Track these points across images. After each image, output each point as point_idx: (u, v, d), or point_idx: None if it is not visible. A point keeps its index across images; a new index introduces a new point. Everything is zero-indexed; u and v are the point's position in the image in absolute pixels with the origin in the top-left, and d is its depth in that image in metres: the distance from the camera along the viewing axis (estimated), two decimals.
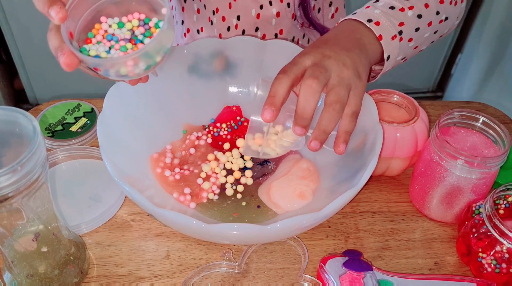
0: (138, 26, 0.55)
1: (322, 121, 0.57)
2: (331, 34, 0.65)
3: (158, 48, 0.52)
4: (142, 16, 0.56)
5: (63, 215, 0.67)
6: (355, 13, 0.67)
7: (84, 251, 0.62)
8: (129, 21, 0.55)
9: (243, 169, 0.71)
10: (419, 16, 0.68)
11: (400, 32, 0.66)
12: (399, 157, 0.70)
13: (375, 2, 0.69)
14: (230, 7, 0.86)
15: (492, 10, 1.82)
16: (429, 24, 0.70)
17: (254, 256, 0.64)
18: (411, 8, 0.68)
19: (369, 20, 0.65)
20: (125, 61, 0.51)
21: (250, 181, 0.69)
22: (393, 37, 0.66)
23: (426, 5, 0.69)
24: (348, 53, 0.60)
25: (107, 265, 0.63)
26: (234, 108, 0.77)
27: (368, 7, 0.68)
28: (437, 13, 0.70)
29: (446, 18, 0.72)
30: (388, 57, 0.66)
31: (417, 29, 0.68)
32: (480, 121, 0.67)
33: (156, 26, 0.55)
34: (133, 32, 0.55)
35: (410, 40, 0.68)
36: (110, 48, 0.54)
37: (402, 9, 0.68)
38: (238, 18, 0.87)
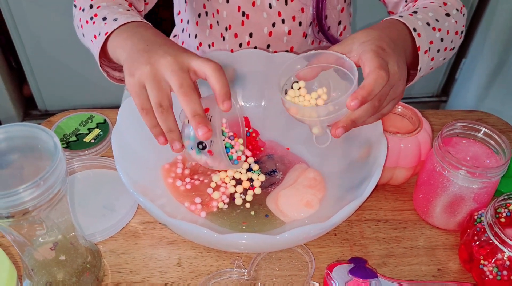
0: None
1: (357, 112, 0.58)
2: (395, 35, 0.65)
3: None
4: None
5: (79, 224, 0.70)
6: (401, 16, 0.69)
7: (99, 259, 0.64)
8: None
9: (251, 179, 0.73)
10: (442, 40, 0.71)
11: (429, 49, 0.69)
12: (403, 167, 0.73)
13: (414, 12, 0.71)
14: (243, 24, 0.88)
15: (495, 15, 1.84)
16: (445, 49, 0.73)
17: (262, 263, 0.67)
18: (439, 30, 0.71)
19: (414, 29, 0.67)
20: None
21: (258, 191, 0.72)
22: (425, 52, 0.68)
23: (448, 32, 0.73)
24: (405, 68, 0.63)
25: (121, 273, 0.65)
26: None
27: (411, 15, 0.70)
28: (451, 41, 0.74)
29: (453, 48, 0.76)
30: (419, 69, 0.69)
31: (438, 51, 0.71)
32: (482, 131, 0.69)
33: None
34: None
35: (432, 59, 0.71)
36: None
37: (433, 29, 0.70)
38: (251, 35, 0.89)
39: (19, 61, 1.90)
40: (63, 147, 0.80)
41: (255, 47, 0.90)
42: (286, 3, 0.86)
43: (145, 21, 0.69)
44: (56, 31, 1.78)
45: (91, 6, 0.74)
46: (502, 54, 1.79)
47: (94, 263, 0.63)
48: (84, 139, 0.81)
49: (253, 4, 0.87)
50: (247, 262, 0.66)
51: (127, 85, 0.61)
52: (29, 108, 2.09)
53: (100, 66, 0.73)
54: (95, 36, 0.70)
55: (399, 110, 0.77)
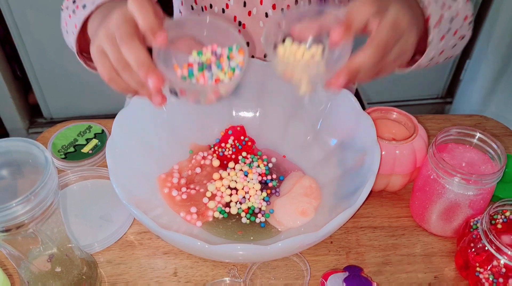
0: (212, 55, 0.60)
1: (360, 57, 0.52)
2: (408, 3, 0.59)
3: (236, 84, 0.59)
4: (215, 47, 0.61)
5: (75, 235, 0.70)
6: None
7: (96, 270, 0.65)
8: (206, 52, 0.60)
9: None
10: (451, 20, 0.67)
11: (440, 23, 0.64)
12: (399, 174, 0.72)
13: None
14: (239, 33, 0.88)
15: (499, 15, 1.83)
16: (455, 33, 0.68)
17: (258, 272, 0.67)
18: (449, 7, 0.66)
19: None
20: (213, 89, 0.57)
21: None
22: (435, 25, 0.63)
23: (457, 13, 0.68)
24: (415, 23, 0.58)
25: (118, 283, 0.66)
26: (238, 128, 0.79)
27: None
28: (461, 26, 0.69)
29: (463, 37, 0.72)
30: (429, 42, 0.64)
31: (448, 30, 0.67)
32: (477, 137, 0.69)
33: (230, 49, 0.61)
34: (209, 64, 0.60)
35: (442, 38, 0.66)
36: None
37: (443, 5, 0.66)
38: (248, 44, 0.89)
39: (24, 69, 1.91)
40: (61, 158, 0.80)
41: (252, 56, 0.91)
42: (283, 12, 0.86)
43: None
44: (60, 39, 1.77)
45: (74, 1, 0.72)
46: (506, 54, 1.78)
47: (90, 274, 0.63)
48: (82, 150, 0.82)
49: (249, 13, 0.87)
50: (243, 271, 0.67)
51: (92, 58, 0.56)
52: (34, 116, 2.11)
53: (77, 53, 0.69)
54: (75, 26, 0.67)
55: (394, 116, 0.76)
